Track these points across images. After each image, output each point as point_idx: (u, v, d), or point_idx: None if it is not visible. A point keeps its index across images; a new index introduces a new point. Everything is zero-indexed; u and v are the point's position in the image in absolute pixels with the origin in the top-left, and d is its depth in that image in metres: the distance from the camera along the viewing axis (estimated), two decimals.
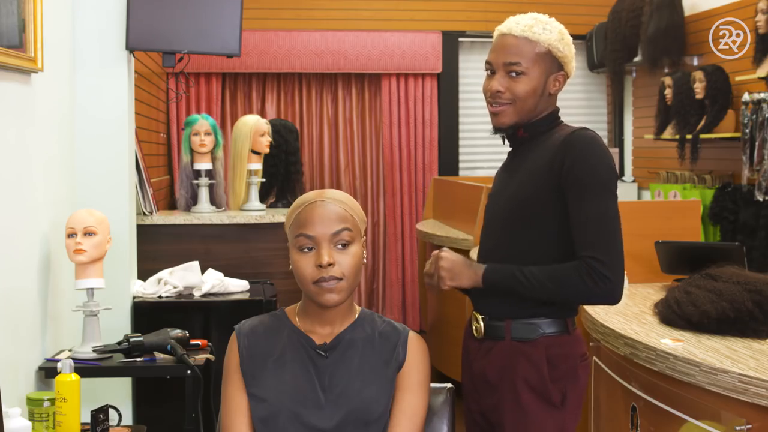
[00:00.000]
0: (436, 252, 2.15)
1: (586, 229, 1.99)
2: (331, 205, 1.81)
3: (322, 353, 1.82)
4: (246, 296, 3.45)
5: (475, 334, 2.17)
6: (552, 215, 2.04)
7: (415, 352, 1.85)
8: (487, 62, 2.17)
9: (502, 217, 2.15)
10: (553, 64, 2.12)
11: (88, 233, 2.63)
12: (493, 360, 2.11)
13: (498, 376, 2.10)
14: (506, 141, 2.21)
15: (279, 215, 4.01)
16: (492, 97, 2.15)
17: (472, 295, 2.18)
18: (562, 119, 2.19)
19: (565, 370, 2.07)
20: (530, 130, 2.14)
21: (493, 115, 2.16)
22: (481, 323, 2.14)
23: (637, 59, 6.12)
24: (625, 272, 2.05)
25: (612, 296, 2.00)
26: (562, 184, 2.02)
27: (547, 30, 2.11)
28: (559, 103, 2.22)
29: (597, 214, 1.99)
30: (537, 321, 2.08)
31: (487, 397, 2.13)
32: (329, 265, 1.76)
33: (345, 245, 1.79)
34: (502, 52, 2.12)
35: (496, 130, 2.18)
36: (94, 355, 2.63)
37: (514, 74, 2.10)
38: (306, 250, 1.79)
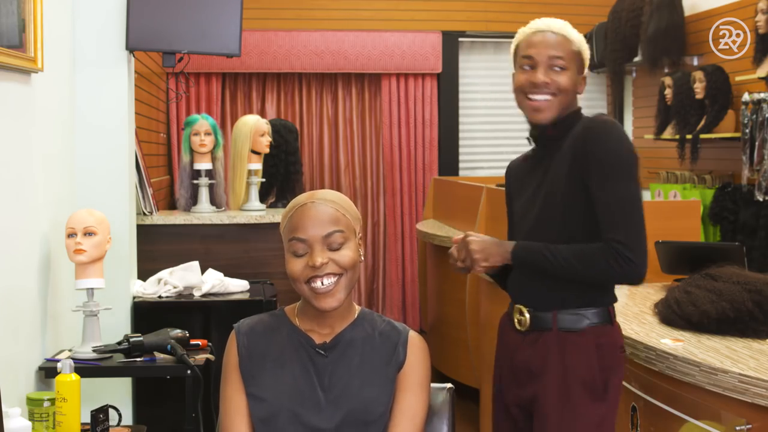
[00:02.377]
0: (460, 237, 2.20)
1: (610, 212, 2.03)
2: (322, 207, 1.80)
3: (322, 352, 1.82)
4: (246, 296, 3.45)
5: (519, 327, 2.18)
6: (583, 204, 2.08)
7: (416, 352, 1.85)
8: (526, 57, 2.17)
9: (536, 216, 2.17)
10: (581, 64, 2.19)
11: (88, 233, 2.63)
12: (539, 350, 2.12)
13: (542, 366, 2.11)
14: (533, 142, 2.25)
15: (279, 215, 4.00)
16: (536, 89, 2.14)
17: (511, 287, 2.23)
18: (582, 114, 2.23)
19: (610, 360, 2.10)
20: (559, 128, 2.16)
21: (535, 110, 2.15)
22: (527, 315, 2.15)
23: (637, 59, 6.12)
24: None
25: (636, 277, 2.05)
26: (584, 168, 2.06)
27: (576, 32, 2.20)
28: None
29: (619, 197, 2.03)
30: (583, 311, 2.10)
31: (528, 388, 2.14)
32: (323, 265, 1.75)
33: (338, 248, 1.78)
34: (544, 47, 2.15)
35: (535, 126, 2.19)
36: (94, 355, 2.63)
37: (557, 68, 2.14)
38: (300, 255, 1.78)
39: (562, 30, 2.17)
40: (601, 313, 2.12)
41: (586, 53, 2.20)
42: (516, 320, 2.19)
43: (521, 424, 2.19)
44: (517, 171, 2.32)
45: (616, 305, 2.20)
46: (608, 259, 2.01)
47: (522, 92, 2.17)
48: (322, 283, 1.77)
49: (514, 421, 2.20)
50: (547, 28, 2.18)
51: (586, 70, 2.22)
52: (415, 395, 1.82)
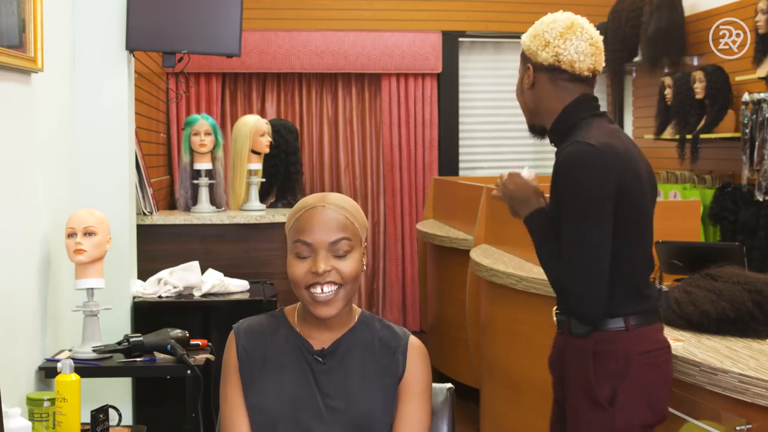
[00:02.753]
0: (511, 173, 2.26)
1: (565, 255, 2.04)
2: (332, 212, 1.76)
3: (320, 360, 1.79)
4: (246, 296, 3.44)
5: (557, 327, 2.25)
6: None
7: (416, 359, 1.82)
8: None
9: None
10: (527, 62, 2.24)
11: (88, 233, 2.63)
12: (556, 352, 2.21)
13: (557, 369, 2.20)
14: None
15: (279, 215, 4.01)
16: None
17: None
18: (580, 123, 2.14)
19: (614, 367, 2.04)
20: (553, 137, 2.22)
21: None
22: (555, 316, 2.22)
23: (637, 59, 6.12)
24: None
25: (584, 317, 2.06)
26: (556, 200, 2.11)
27: (529, 35, 2.23)
28: None
29: (567, 240, 2.03)
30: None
31: (558, 390, 2.23)
32: (325, 272, 1.72)
33: (343, 255, 1.75)
34: None
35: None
36: (94, 355, 2.63)
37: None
38: (303, 257, 1.75)
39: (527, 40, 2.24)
40: (613, 320, 2.06)
41: (531, 47, 2.20)
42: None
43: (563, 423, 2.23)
44: None
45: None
46: (554, 285, 2.11)
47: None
48: (322, 290, 1.73)
49: (557, 416, 2.26)
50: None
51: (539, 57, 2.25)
52: (418, 404, 1.80)
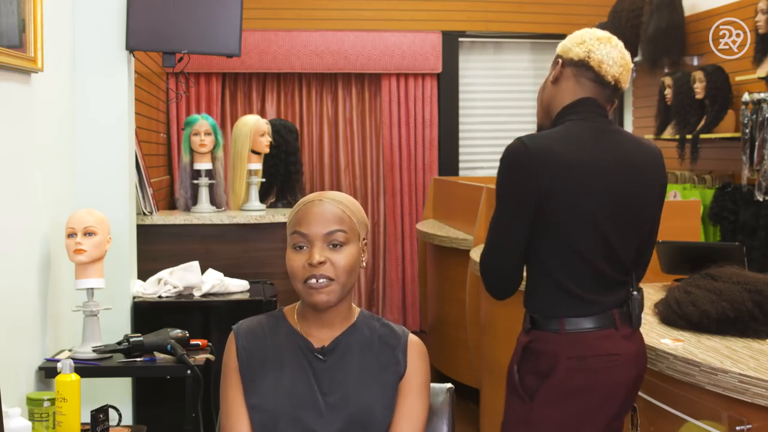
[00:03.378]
0: None
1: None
2: (329, 205, 1.80)
3: (321, 357, 1.81)
4: (246, 296, 3.44)
5: None
6: None
7: (416, 357, 1.85)
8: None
9: None
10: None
11: (88, 233, 2.63)
12: None
13: None
14: None
15: (279, 215, 4.01)
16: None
17: None
18: (563, 123, 2.19)
19: (543, 366, 2.10)
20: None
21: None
22: None
23: (637, 59, 6.12)
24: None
25: (486, 289, 2.21)
26: None
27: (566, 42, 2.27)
28: None
29: (489, 227, 2.18)
30: (532, 315, 2.18)
31: None
32: (320, 263, 1.75)
33: (338, 245, 1.78)
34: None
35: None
36: (94, 355, 2.63)
37: None
38: (299, 248, 1.78)
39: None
40: (552, 321, 2.12)
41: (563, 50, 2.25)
42: None
43: None
44: None
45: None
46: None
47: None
48: (317, 280, 1.76)
49: None
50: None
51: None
52: (416, 400, 1.82)
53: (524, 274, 2.18)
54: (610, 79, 2.17)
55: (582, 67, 2.18)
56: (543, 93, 2.27)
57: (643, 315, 2.52)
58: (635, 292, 2.14)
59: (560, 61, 2.22)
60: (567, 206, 2.06)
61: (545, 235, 2.08)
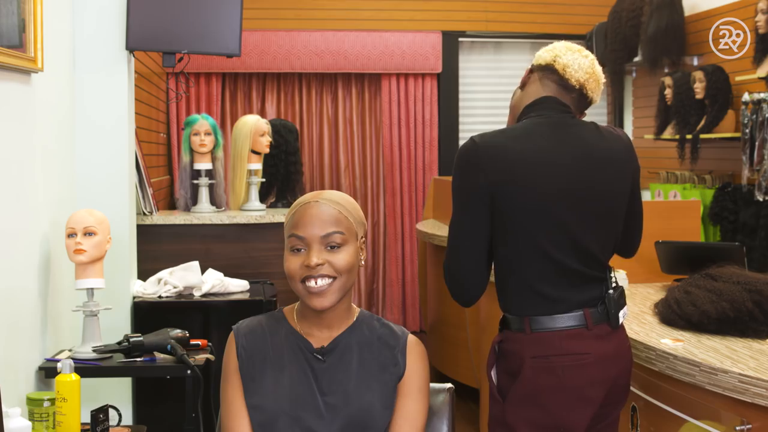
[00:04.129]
0: None
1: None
2: (325, 207, 1.79)
3: (320, 357, 1.81)
4: (246, 296, 3.44)
5: None
6: None
7: (415, 358, 1.85)
8: None
9: None
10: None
11: (88, 233, 2.63)
12: None
13: None
14: None
15: (279, 215, 4.01)
16: None
17: None
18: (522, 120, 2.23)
19: (512, 366, 2.11)
20: None
21: None
22: None
23: (637, 59, 6.12)
24: (622, 270, 2.07)
25: (452, 294, 2.19)
26: None
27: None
28: None
29: (449, 227, 2.16)
30: (506, 315, 2.18)
31: None
32: (318, 266, 1.75)
33: (336, 247, 1.78)
34: None
35: None
36: (94, 355, 2.63)
37: None
38: (296, 250, 1.78)
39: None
40: (517, 320, 2.12)
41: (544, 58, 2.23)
42: None
43: None
44: None
45: None
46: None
47: None
48: (316, 282, 1.76)
49: None
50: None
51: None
52: (415, 400, 1.82)
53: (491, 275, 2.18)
54: (574, 83, 2.16)
55: (547, 70, 2.20)
56: (512, 99, 2.30)
57: (643, 315, 2.52)
58: (611, 291, 2.11)
59: (530, 68, 2.26)
60: (522, 201, 2.06)
61: (506, 231, 2.08)
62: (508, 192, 2.06)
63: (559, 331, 2.07)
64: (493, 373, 2.17)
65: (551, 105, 2.17)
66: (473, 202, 2.09)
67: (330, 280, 1.77)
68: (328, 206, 1.80)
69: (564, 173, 2.08)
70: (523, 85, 2.26)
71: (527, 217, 2.06)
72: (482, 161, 2.07)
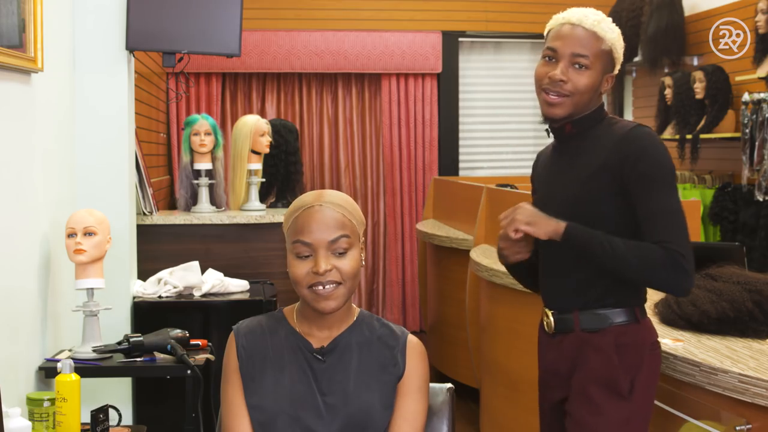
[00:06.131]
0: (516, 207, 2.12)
1: (662, 222, 1.99)
2: (329, 211, 1.78)
3: (320, 357, 1.81)
4: (246, 296, 3.44)
5: (547, 330, 2.19)
6: (614, 213, 2.05)
7: (415, 358, 1.84)
8: (551, 48, 2.11)
9: (557, 210, 2.10)
10: (609, 63, 2.12)
11: (88, 233, 2.63)
12: (564, 353, 2.14)
13: (569, 368, 2.12)
14: (551, 135, 2.21)
15: (279, 215, 4.01)
16: (552, 85, 2.09)
17: (543, 293, 2.22)
18: (607, 113, 2.18)
19: (632, 359, 2.06)
20: (578, 126, 2.13)
21: (547, 104, 2.11)
22: (551, 318, 2.16)
23: (637, 59, 6.12)
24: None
25: (686, 288, 2.01)
26: (625, 179, 2.03)
27: (611, 29, 2.10)
28: None
29: (670, 208, 2.00)
30: (606, 311, 2.08)
31: (557, 391, 2.16)
32: (326, 272, 1.75)
33: (342, 253, 1.77)
34: (570, 42, 2.08)
35: (547, 119, 2.15)
36: (94, 355, 2.63)
37: (578, 66, 2.07)
38: (303, 257, 1.77)
39: (594, 26, 2.08)
40: (626, 312, 2.09)
41: (619, 52, 2.12)
42: (544, 323, 2.21)
43: (555, 426, 2.20)
44: (544, 161, 2.29)
45: None
46: (667, 264, 1.96)
47: (539, 83, 2.13)
48: (324, 287, 1.76)
49: (548, 422, 2.22)
50: (579, 22, 2.08)
51: (617, 69, 2.16)
52: (414, 400, 1.82)
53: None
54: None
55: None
56: (589, 79, 2.10)
57: None
58: None
59: (615, 58, 2.13)
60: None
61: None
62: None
63: (646, 318, 2.14)
64: (618, 374, 2.06)
65: None
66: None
67: (337, 284, 1.77)
68: (332, 210, 1.78)
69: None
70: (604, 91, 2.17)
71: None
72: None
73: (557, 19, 2.14)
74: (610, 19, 2.13)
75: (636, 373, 2.06)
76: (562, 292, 2.15)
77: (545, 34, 2.16)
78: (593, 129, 2.12)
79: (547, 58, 2.12)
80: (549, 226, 2.05)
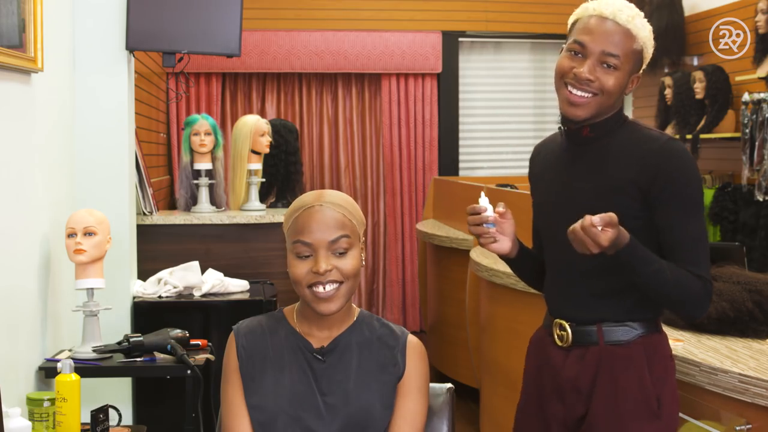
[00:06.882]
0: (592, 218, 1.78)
1: (696, 249, 1.90)
2: (329, 211, 1.78)
3: (320, 357, 1.81)
4: (246, 296, 3.44)
5: (560, 343, 2.01)
6: (636, 229, 1.86)
7: (415, 358, 1.84)
8: (578, 42, 1.93)
9: (566, 208, 1.96)
10: (638, 63, 1.96)
11: (88, 233, 2.63)
12: (587, 367, 1.96)
13: (591, 383, 1.95)
14: (564, 136, 2.04)
15: (279, 215, 4.01)
16: (578, 82, 1.91)
17: (549, 300, 2.07)
18: (627, 117, 2.00)
19: (659, 372, 1.94)
20: (596, 131, 1.97)
21: (569, 103, 1.93)
22: (569, 330, 1.99)
23: None
24: None
25: (702, 315, 1.96)
26: (652, 197, 1.89)
27: (644, 26, 1.93)
28: None
29: (702, 235, 1.90)
30: (632, 323, 1.94)
31: (576, 407, 1.97)
32: (326, 272, 1.75)
33: (343, 253, 1.77)
34: (601, 38, 1.90)
35: (567, 120, 1.97)
36: (94, 355, 2.63)
37: (606, 65, 1.91)
38: (303, 257, 1.77)
39: (629, 23, 1.90)
40: (650, 323, 1.96)
41: (649, 51, 1.95)
42: (556, 336, 2.02)
43: None
44: (548, 160, 2.11)
45: None
46: (702, 296, 1.88)
47: (562, 77, 1.94)
48: (324, 288, 1.76)
49: None
50: (612, 16, 1.90)
51: (642, 68, 1.99)
52: (414, 400, 1.82)
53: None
54: None
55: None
56: (614, 81, 1.94)
57: None
58: None
59: (643, 58, 1.97)
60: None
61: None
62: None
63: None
64: (650, 389, 1.92)
65: None
66: None
67: (337, 285, 1.77)
68: (333, 210, 1.78)
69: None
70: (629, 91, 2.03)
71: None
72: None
73: (587, 9, 1.95)
74: (642, 14, 1.95)
75: (662, 386, 1.93)
76: (582, 303, 1.97)
77: (570, 23, 2.00)
78: (613, 134, 1.96)
79: (573, 53, 1.94)
80: (615, 243, 1.81)
